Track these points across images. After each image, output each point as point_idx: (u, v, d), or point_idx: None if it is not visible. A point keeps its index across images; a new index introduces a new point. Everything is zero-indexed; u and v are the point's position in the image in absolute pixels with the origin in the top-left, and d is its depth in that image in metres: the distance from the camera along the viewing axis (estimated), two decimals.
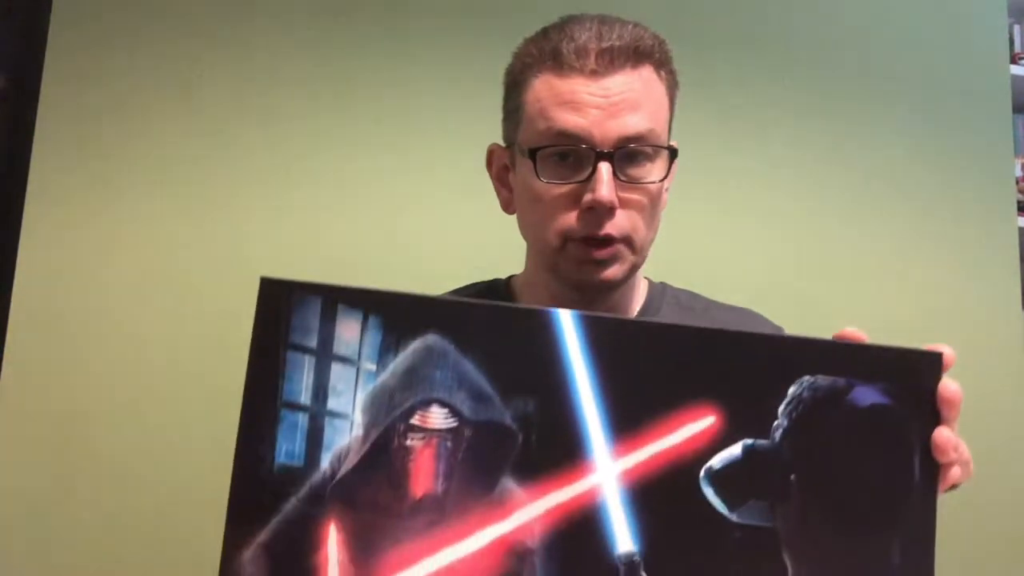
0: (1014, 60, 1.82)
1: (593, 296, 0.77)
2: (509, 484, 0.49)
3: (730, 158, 1.58)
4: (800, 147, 1.62)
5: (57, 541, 1.25)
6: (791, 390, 0.51)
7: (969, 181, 1.67)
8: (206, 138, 1.40)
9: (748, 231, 1.56)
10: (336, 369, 0.49)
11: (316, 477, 0.48)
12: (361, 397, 0.49)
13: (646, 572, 0.49)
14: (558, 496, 0.49)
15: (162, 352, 1.34)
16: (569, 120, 0.72)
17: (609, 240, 0.73)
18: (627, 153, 0.73)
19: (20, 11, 1.42)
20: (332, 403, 0.48)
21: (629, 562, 0.49)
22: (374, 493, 0.48)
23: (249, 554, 0.47)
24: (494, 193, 0.84)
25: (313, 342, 0.49)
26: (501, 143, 0.83)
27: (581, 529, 0.49)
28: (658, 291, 0.88)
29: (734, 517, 0.50)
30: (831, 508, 0.51)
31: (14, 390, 1.28)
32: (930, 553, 0.51)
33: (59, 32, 1.37)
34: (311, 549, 0.47)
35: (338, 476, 0.48)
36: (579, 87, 0.73)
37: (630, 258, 0.76)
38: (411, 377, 0.49)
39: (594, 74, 0.73)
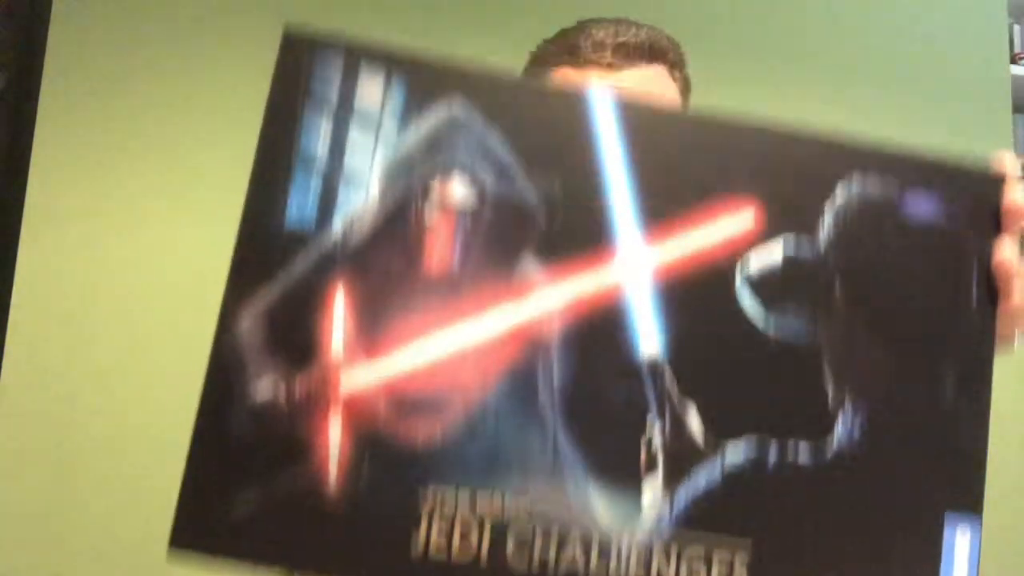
0: (1014, 60, 1.79)
1: None
2: (529, 265, 0.45)
3: None
4: None
5: (57, 541, 1.23)
6: (838, 191, 0.47)
7: None
8: (207, 137, 1.37)
9: None
10: (355, 130, 0.46)
11: (326, 239, 0.45)
12: (380, 161, 0.46)
13: (673, 373, 0.45)
14: (581, 284, 0.46)
15: (164, 351, 1.31)
16: None
17: None
18: None
19: (20, 11, 1.40)
20: (348, 164, 0.45)
21: (653, 364, 0.45)
22: (386, 261, 0.45)
23: (249, 312, 0.44)
24: None
25: (333, 98, 0.46)
26: None
27: (604, 325, 0.45)
28: None
29: (771, 328, 0.46)
30: (880, 327, 0.47)
31: (14, 390, 1.26)
32: (987, 386, 0.47)
33: (59, 32, 1.35)
34: (316, 311, 0.44)
35: (349, 240, 0.45)
36: (595, 79, 0.73)
37: None
38: (433, 145, 0.46)
39: (611, 67, 0.73)
